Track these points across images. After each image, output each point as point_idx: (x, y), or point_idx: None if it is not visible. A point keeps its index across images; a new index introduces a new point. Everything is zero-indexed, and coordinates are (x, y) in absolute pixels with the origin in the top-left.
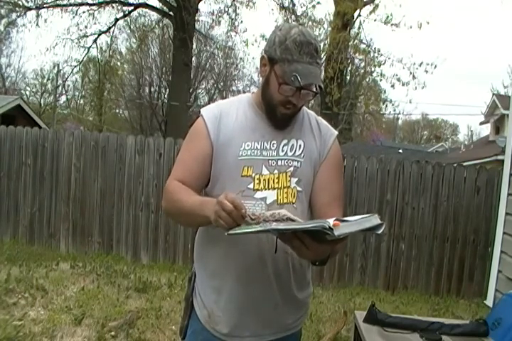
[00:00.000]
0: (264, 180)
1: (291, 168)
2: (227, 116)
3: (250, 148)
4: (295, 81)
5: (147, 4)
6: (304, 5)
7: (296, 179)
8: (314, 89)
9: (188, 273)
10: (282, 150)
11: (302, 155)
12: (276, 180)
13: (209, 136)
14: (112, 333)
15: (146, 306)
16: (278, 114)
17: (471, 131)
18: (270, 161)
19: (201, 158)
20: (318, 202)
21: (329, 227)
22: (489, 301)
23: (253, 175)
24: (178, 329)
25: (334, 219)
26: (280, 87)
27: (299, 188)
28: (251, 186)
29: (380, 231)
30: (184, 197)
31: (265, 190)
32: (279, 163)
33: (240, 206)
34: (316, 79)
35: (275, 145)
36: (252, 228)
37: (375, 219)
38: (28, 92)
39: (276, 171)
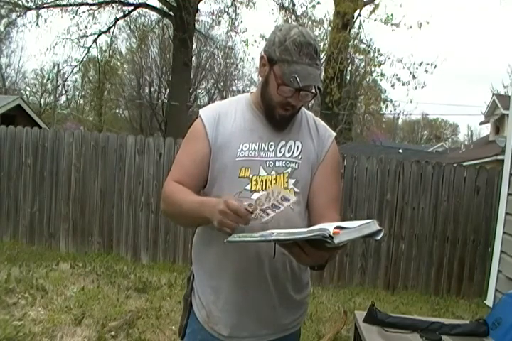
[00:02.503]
0: (262, 181)
1: (289, 170)
2: (226, 117)
3: (248, 149)
4: (294, 82)
5: (147, 4)
6: (303, 5)
7: (293, 180)
8: (313, 91)
9: (187, 273)
10: (280, 152)
11: (300, 156)
12: (273, 181)
13: (207, 137)
14: (112, 333)
15: (146, 306)
16: (276, 116)
17: (471, 131)
18: (268, 162)
19: (199, 160)
20: (315, 204)
21: (329, 236)
22: (489, 301)
23: (250, 176)
24: (178, 329)
25: (334, 227)
26: (279, 88)
27: (296, 189)
28: (248, 187)
29: (379, 237)
30: (182, 198)
31: (262, 191)
32: (277, 164)
33: (244, 214)
34: (315, 80)
35: (273, 147)
36: (253, 237)
37: (374, 226)
38: (28, 92)
39: (273, 172)
